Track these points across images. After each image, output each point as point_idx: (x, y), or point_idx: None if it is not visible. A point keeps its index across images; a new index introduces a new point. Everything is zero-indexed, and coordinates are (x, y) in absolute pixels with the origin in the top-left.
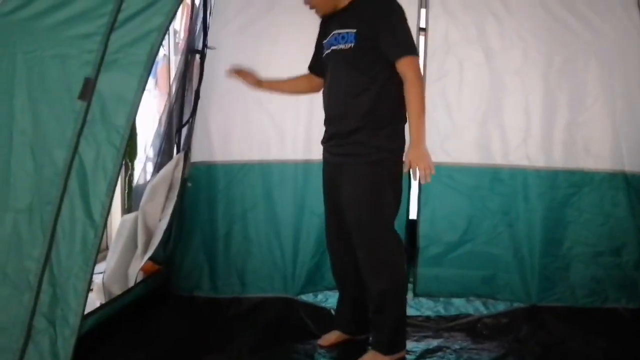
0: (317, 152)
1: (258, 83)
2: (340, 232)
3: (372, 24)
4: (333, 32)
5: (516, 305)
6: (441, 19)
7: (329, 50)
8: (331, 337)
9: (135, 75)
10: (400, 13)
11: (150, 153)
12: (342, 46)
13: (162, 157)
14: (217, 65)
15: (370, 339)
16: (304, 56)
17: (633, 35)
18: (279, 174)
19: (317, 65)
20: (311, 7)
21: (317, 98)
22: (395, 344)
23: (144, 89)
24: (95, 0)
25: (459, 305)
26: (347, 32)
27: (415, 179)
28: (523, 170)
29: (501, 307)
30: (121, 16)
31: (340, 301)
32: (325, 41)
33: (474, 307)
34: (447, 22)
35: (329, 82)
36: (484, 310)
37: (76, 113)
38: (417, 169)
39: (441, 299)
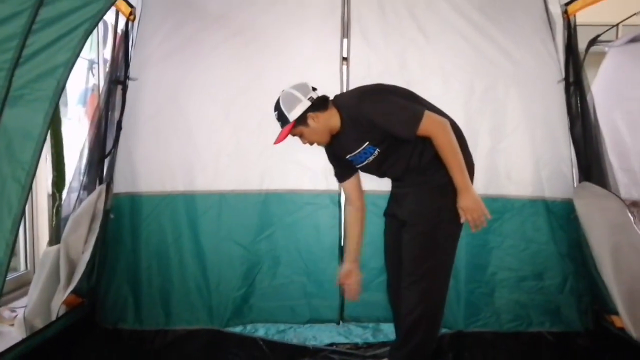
0: (241, 183)
1: (357, 267)
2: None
3: (373, 129)
4: (351, 154)
5: (443, 331)
6: (363, 49)
7: (361, 165)
8: None
9: (40, 111)
10: (378, 95)
11: (74, 184)
12: (370, 158)
13: (85, 189)
14: (139, 96)
15: None
16: (226, 85)
17: (550, 65)
18: (203, 205)
19: (344, 171)
20: (311, 144)
21: (240, 128)
22: None
23: (50, 125)
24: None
25: (388, 331)
26: (364, 149)
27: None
28: None
29: None
30: (26, 51)
31: None
32: (347, 157)
33: None
34: (368, 53)
35: (374, 170)
36: None
37: None
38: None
39: (370, 325)
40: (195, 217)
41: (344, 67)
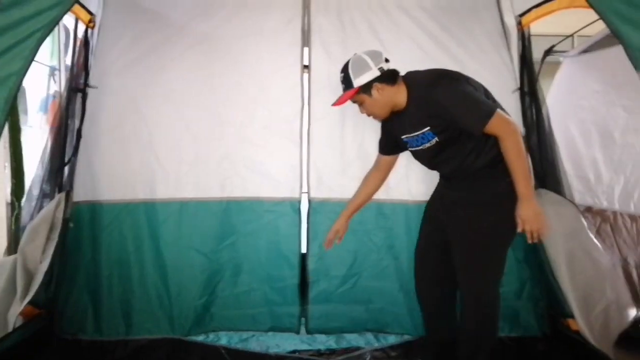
0: (202, 191)
1: (348, 220)
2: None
3: (438, 116)
4: (407, 135)
5: (406, 337)
6: (323, 58)
7: (415, 149)
8: None
9: None
10: (452, 85)
11: (34, 192)
12: (427, 145)
13: (44, 197)
14: (100, 104)
15: None
16: (187, 95)
17: (505, 75)
18: (164, 213)
19: (389, 147)
20: (369, 115)
21: (201, 137)
22: None
23: (1, 133)
24: None
25: (351, 338)
26: (422, 133)
27: (529, 240)
28: (404, 205)
29: (392, 339)
30: None
31: None
32: (403, 138)
33: (365, 340)
34: (328, 62)
35: (427, 159)
36: (375, 343)
37: None
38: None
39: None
40: (156, 225)
41: (305, 75)
